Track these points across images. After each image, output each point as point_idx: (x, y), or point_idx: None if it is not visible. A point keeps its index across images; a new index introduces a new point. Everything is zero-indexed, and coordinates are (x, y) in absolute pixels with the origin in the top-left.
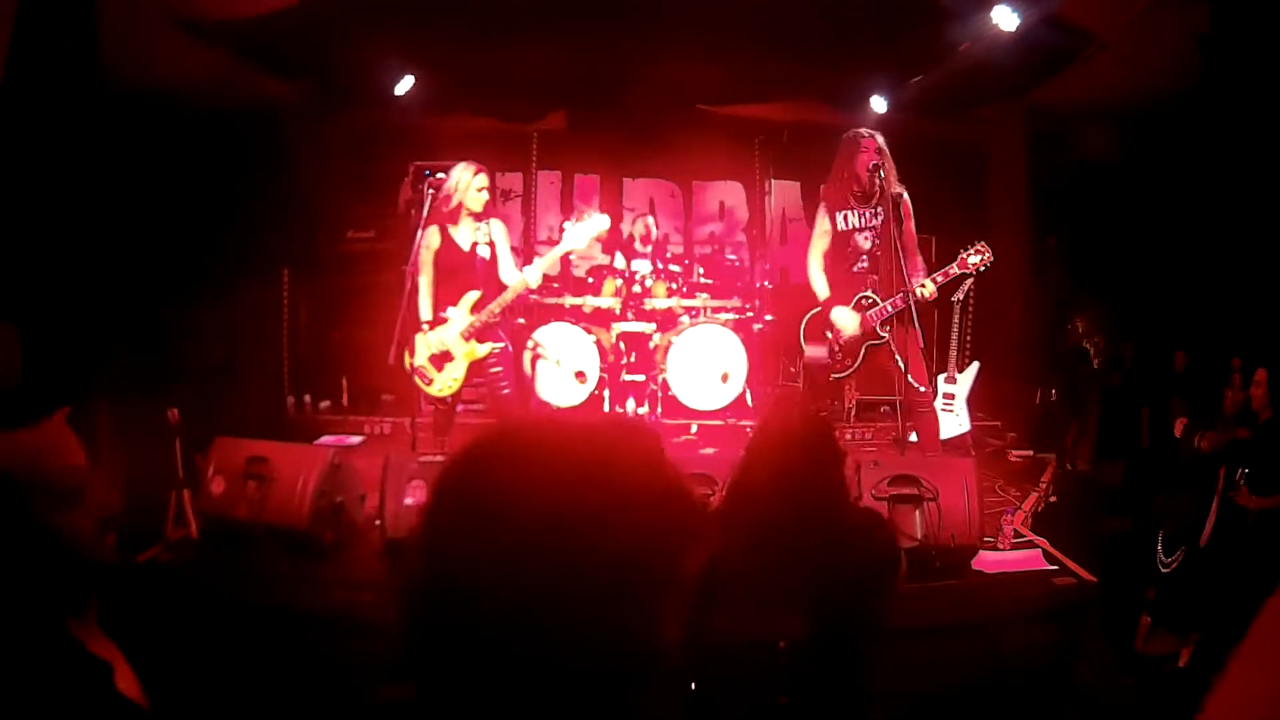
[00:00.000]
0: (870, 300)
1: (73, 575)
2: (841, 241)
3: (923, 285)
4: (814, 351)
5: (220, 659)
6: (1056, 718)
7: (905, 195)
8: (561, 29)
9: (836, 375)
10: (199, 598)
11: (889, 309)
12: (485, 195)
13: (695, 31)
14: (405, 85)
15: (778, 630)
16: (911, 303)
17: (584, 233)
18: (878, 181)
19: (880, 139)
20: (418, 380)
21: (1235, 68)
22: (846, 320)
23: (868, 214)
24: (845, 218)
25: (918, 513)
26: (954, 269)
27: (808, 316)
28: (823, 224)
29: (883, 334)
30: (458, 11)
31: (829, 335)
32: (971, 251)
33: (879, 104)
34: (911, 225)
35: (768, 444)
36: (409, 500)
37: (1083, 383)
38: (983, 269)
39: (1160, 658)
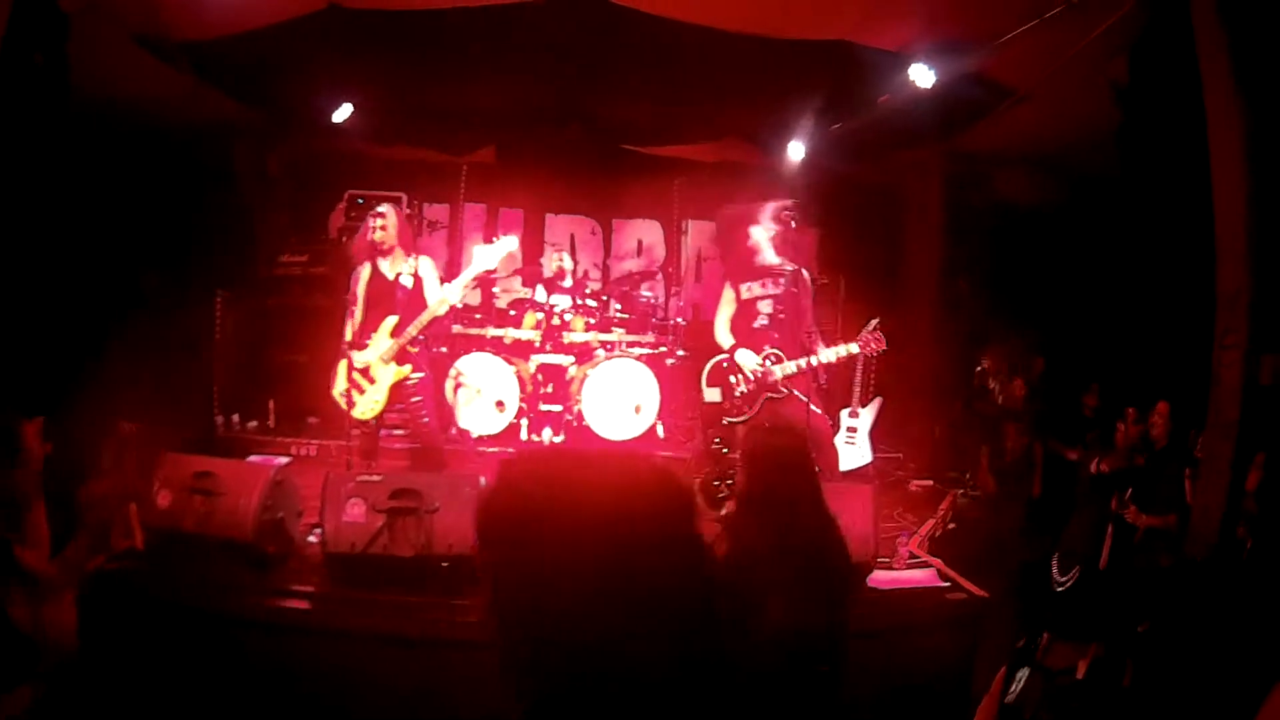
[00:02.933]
0: (777, 356)
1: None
2: (745, 307)
3: (819, 354)
4: (711, 395)
5: (167, 664)
6: None
7: (804, 273)
8: (500, 68)
9: (732, 420)
10: (146, 606)
11: (792, 367)
12: (379, 233)
13: (623, 72)
14: (344, 113)
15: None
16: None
17: (493, 253)
18: (770, 253)
19: (768, 212)
20: (343, 403)
21: (1150, 120)
22: (748, 359)
23: (768, 282)
24: (749, 287)
25: None
26: (854, 348)
27: (711, 363)
28: (728, 295)
29: (783, 390)
30: (404, 46)
31: (731, 380)
32: (872, 337)
33: (797, 149)
34: (809, 295)
35: (748, 463)
36: (347, 517)
37: (988, 414)
38: (874, 355)
39: (1060, 670)
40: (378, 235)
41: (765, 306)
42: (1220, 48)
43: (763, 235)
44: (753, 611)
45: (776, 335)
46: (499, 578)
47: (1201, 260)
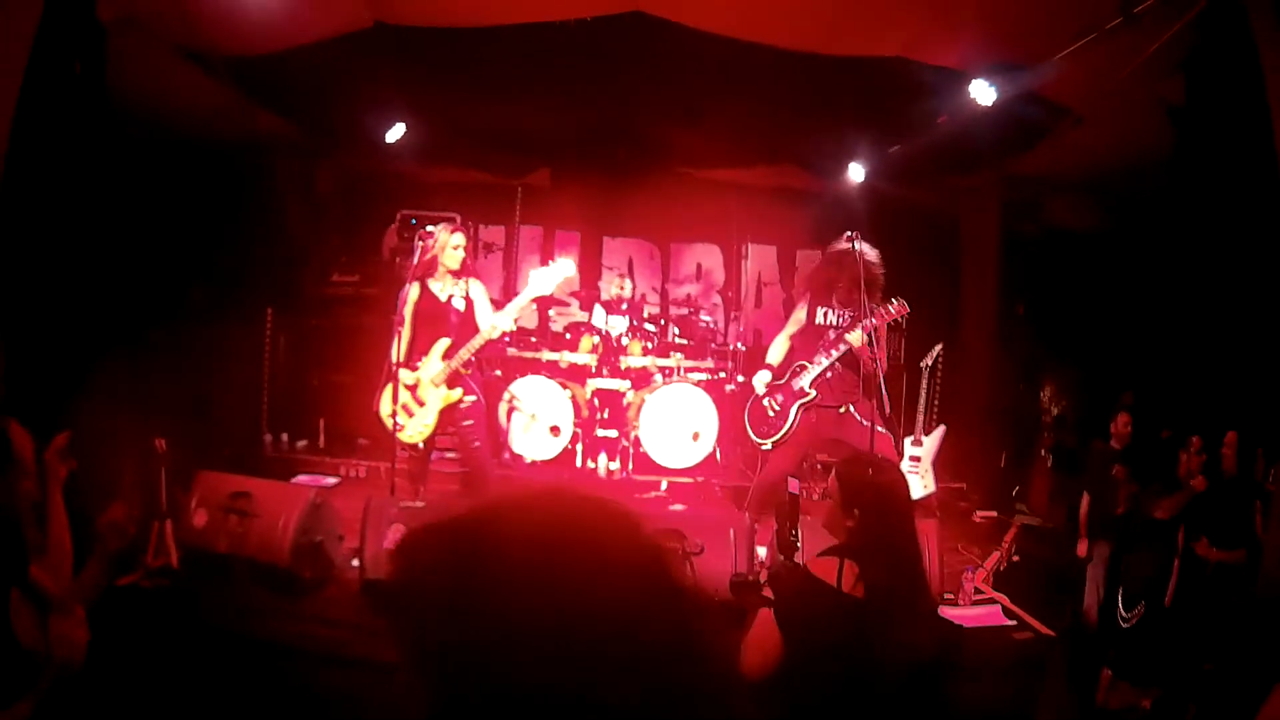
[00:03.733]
0: (801, 367)
1: None
2: (814, 333)
3: (849, 337)
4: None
5: (195, 685)
6: None
7: (885, 310)
8: (550, 89)
9: (772, 440)
10: (178, 625)
11: (817, 368)
12: (460, 254)
13: (678, 96)
14: (396, 133)
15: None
16: (880, 378)
17: (549, 277)
18: (859, 290)
19: (871, 251)
20: (390, 425)
21: (1208, 140)
22: (760, 378)
23: (845, 315)
24: (825, 314)
25: None
26: (870, 321)
27: (751, 399)
28: (800, 312)
29: (811, 391)
30: (453, 65)
31: (764, 404)
32: (892, 304)
33: (856, 171)
34: (880, 338)
35: (875, 501)
36: (388, 544)
37: (1052, 444)
38: (900, 320)
39: (1121, 710)
40: (454, 259)
41: (832, 335)
42: None
43: (850, 270)
44: (892, 646)
45: (837, 366)
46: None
47: (1269, 283)
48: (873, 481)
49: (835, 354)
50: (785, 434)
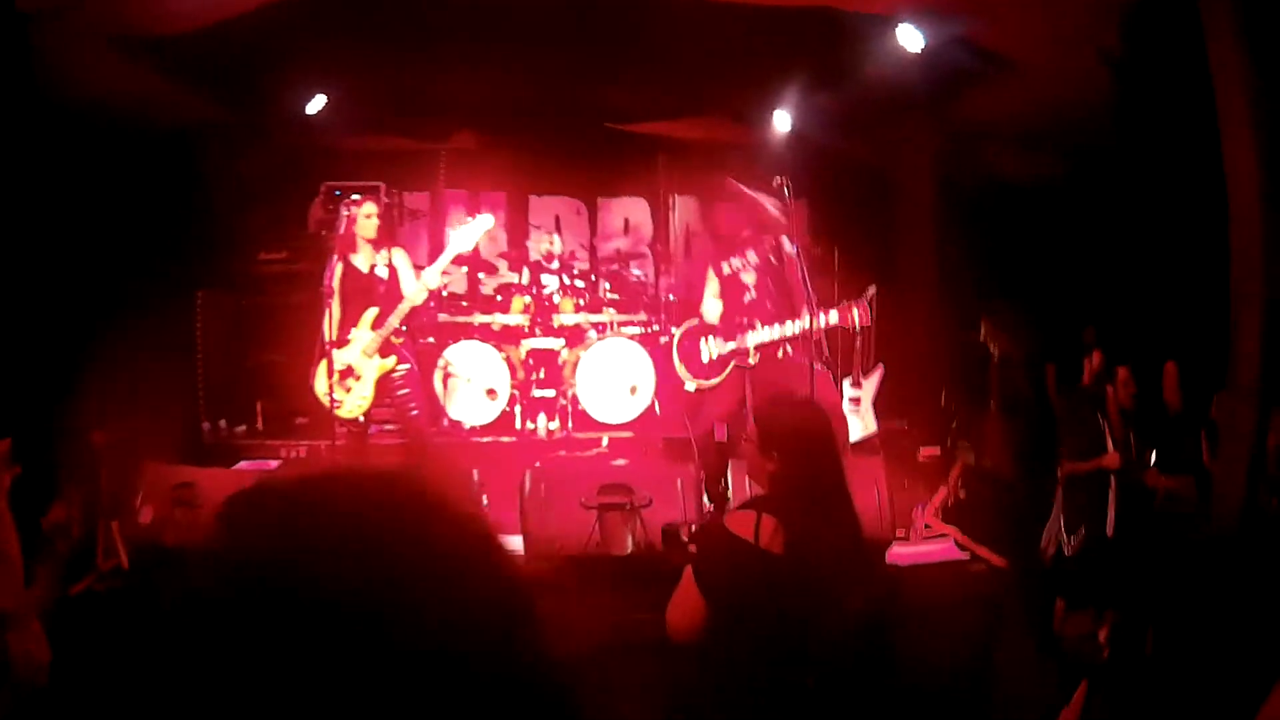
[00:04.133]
0: (750, 323)
1: None
2: (728, 285)
3: (800, 320)
4: (681, 369)
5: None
6: (983, 701)
7: (785, 242)
8: (471, 49)
9: (698, 385)
10: (136, 627)
11: (764, 336)
12: (374, 222)
13: (602, 50)
14: (317, 104)
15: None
16: (818, 329)
17: (468, 234)
18: (748, 227)
19: (738, 187)
20: (327, 402)
21: (1148, 86)
22: (711, 307)
23: (749, 254)
24: (730, 264)
25: None
26: (833, 317)
27: (684, 327)
28: (711, 279)
29: (752, 360)
30: (370, 31)
31: (701, 344)
32: (857, 306)
33: (783, 121)
34: (796, 266)
35: (793, 447)
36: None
37: (986, 382)
38: (856, 329)
39: (1079, 637)
40: (370, 229)
41: (747, 279)
42: (1226, 10)
43: (738, 211)
44: (822, 600)
45: (769, 306)
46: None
47: (1212, 226)
48: (792, 422)
49: (788, 330)
50: (713, 384)
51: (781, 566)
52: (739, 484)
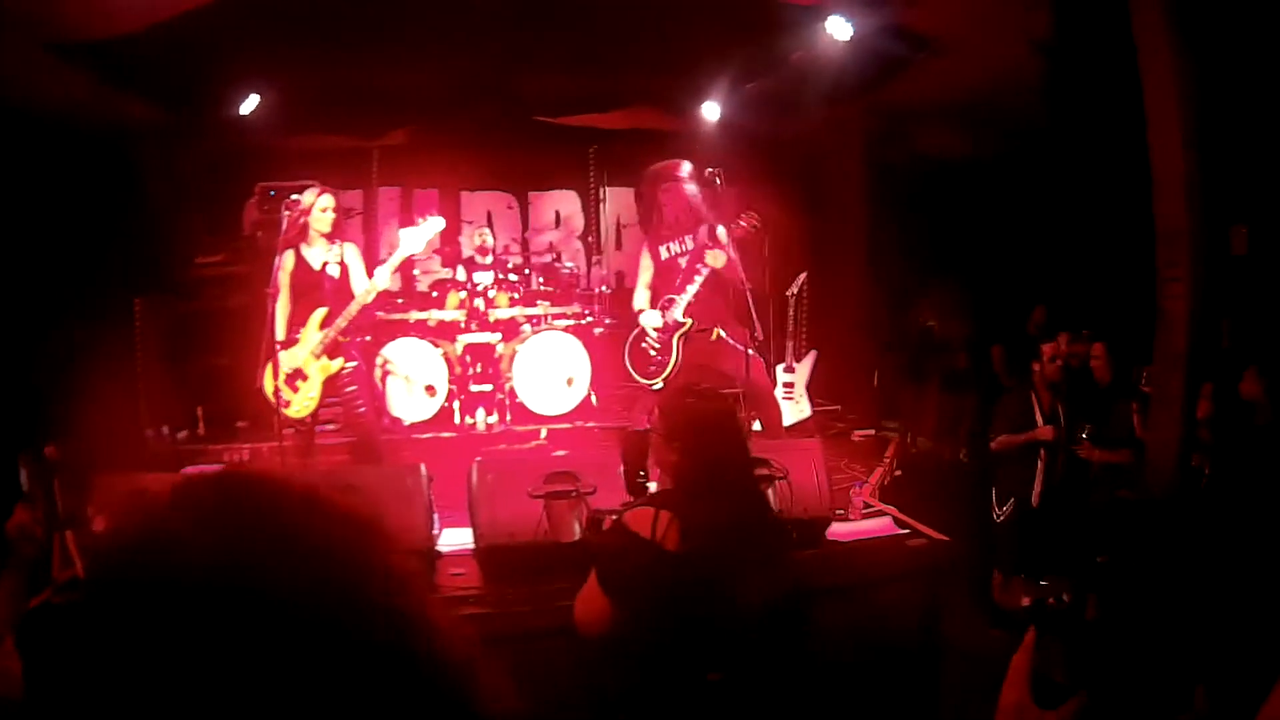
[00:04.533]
0: (670, 300)
1: None
2: (665, 269)
3: (707, 257)
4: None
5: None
6: (930, 672)
7: (720, 230)
8: (401, 46)
9: (662, 376)
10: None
11: (687, 294)
12: (330, 215)
13: (530, 43)
14: (250, 105)
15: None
16: (749, 299)
17: (419, 235)
18: (686, 212)
19: (682, 171)
20: (275, 402)
21: (1073, 71)
22: (650, 318)
23: (686, 240)
24: (667, 248)
25: (770, 491)
26: (721, 233)
27: (629, 340)
28: (645, 260)
29: (685, 320)
30: (302, 31)
31: (644, 345)
32: (742, 219)
33: (712, 109)
34: (730, 249)
35: (685, 440)
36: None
37: (925, 362)
38: (752, 229)
39: (1020, 608)
40: (325, 221)
41: (684, 264)
42: None
43: (676, 194)
44: (723, 594)
45: (704, 292)
46: None
47: (1136, 200)
48: (693, 414)
49: (699, 280)
50: (672, 370)
51: (678, 563)
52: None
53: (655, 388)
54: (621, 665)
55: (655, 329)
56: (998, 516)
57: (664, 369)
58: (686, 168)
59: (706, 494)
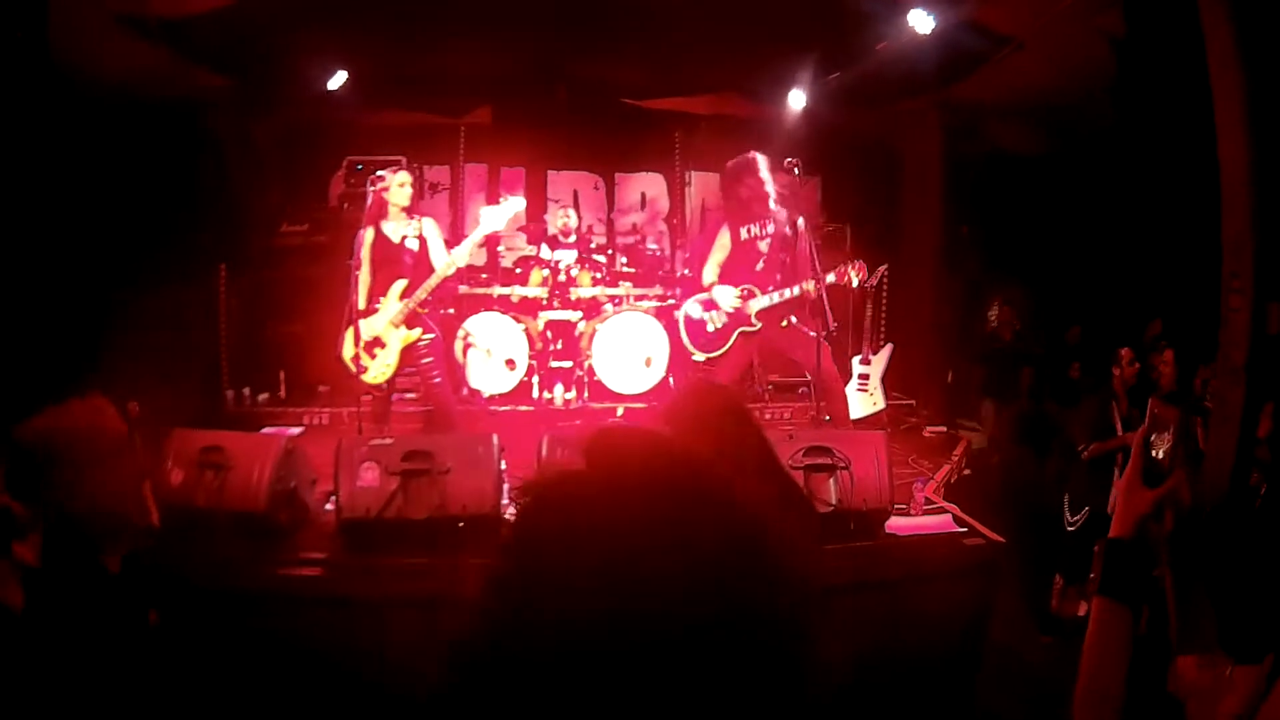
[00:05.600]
0: (750, 292)
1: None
2: (743, 250)
3: (805, 284)
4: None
5: (186, 644)
6: (974, 670)
7: (800, 220)
8: (490, 26)
9: (705, 355)
10: (170, 585)
11: (766, 301)
12: (408, 190)
13: (619, 28)
14: (338, 81)
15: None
16: (823, 293)
17: (500, 214)
18: (770, 198)
19: (762, 160)
20: (353, 368)
21: (1147, 68)
22: (726, 296)
23: (767, 224)
24: (748, 229)
25: (831, 480)
26: (830, 278)
27: (686, 303)
28: (723, 238)
29: (756, 323)
30: (390, 9)
31: (706, 316)
32: (853, 268)
33: (797, 98)
34: (805, 245)
35: (691, 427)
36: (361, 482)
37: (998, 361)
38: (855, 285)
39: (1076, 617)
40: (402, 196)
41: (763, 247)
42: None
43: (763, 182)
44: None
45: (778, 277)
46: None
47: (1205, 207)
48: (696, 404)
49: (788, 294)
50: (720, 354)
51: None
52: None
53: (696, 359)
54: None
55: (727, 311)
56: (1070, 525)
57: (713, 350)
58: (771, 158)
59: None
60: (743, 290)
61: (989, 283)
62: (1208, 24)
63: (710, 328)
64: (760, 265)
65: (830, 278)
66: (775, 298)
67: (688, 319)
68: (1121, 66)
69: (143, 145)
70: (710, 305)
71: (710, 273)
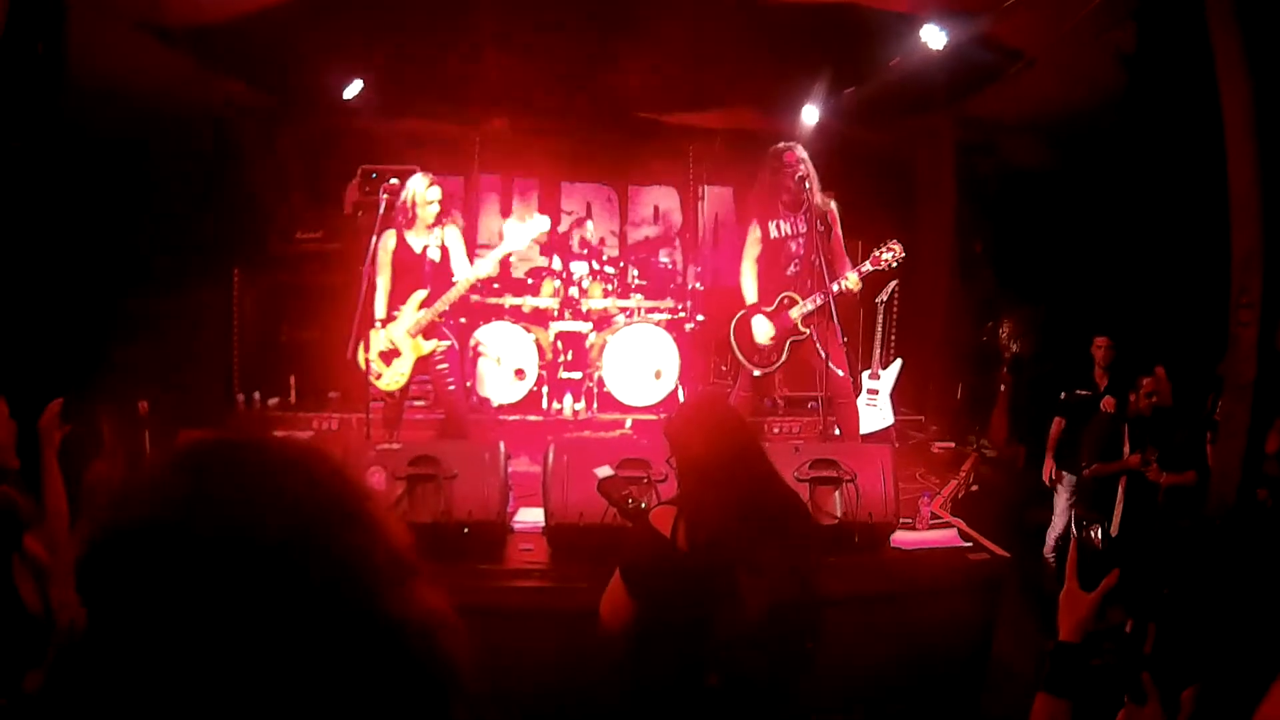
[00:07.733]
0: (791, 299)
1: None
2: (774, 249)
3: (845, 279)
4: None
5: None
6: (978, 685)
7: (832, 204)
8: (506, 37)
9: (764, 370)
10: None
11: (809, 305)
12: (435, 208)
13: (634, 42)
14: (354, 90)
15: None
16: (831, 300)
17: (525, 233)
18: (804, 192)
19: (802, 151)
20: (368, 375)
21: (1157, 85)
22: (763, 329)
23: (797, 220)
24: (777, 226)
25: (837, 493)
26: (867, 266)
27: (737, 316)
28: (754, 233)
29: (804, 330)
30: (406, 18)
31: (756, 330)
32: (884, 249)
33: (810, 113)
34: (838, 231)
35: (687, 439)
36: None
37: (1007, 377)
38: (894, 264)
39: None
40: (430, 213)
41: (795, 248)
42: (1229, 11)
43: (792, 172)
44: (723, 596)
45: (810, 281)
46: None
47: (1214, 222)
48: (693, 414)
49: (825, 298)
50: (776, 368)
51: (688, 564)
52: None
53: (755, 375)
54: (635, 662)
55: (770, 337)
56: (1081, 539)
57: (769, 365)
58: (802, 150)
59: (711, 494)
60: (782, 299)
61: (1001, 300)
62: (1218, 40)
63: (761, 340)
64: (793, 269)
65: (867, 266)
66: (818, 300)
67: (738, 330)
68: (1132, 82)
69: (159, 151)
70: (754, 312)
71: (747, 270)
